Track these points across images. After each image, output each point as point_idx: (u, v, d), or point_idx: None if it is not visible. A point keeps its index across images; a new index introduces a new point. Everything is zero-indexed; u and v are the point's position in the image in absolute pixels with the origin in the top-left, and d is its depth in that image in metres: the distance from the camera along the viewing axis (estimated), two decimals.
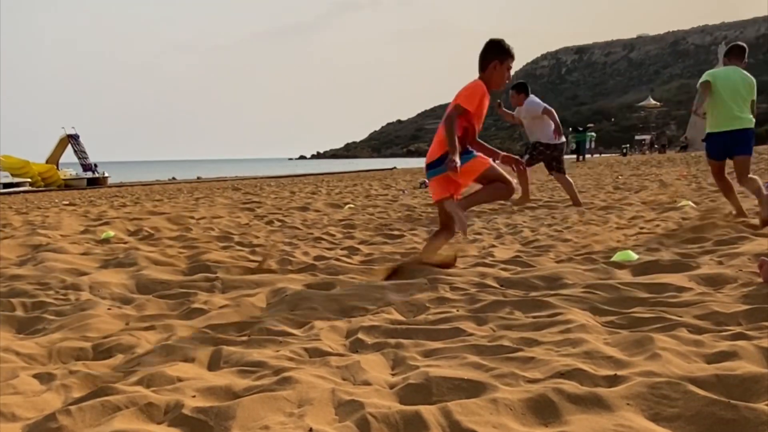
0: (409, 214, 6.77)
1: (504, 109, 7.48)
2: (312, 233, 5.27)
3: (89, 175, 27.53)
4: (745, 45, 5.26)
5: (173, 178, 30.28)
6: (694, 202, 6.49)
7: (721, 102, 4.81)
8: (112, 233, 5.28)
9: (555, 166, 7.23)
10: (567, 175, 7.26)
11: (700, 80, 4.91)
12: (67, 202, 12.09)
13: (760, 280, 2.66)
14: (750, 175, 4.78)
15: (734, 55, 5.08)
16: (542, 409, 1.48)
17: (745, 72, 4.98)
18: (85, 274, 3.55)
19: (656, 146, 44.56)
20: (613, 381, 1.63)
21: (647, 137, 47.54)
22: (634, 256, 3.43)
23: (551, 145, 7.23)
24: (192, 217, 6.77)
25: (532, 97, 7.35)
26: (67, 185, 25.13)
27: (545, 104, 7.22)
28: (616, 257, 3.41)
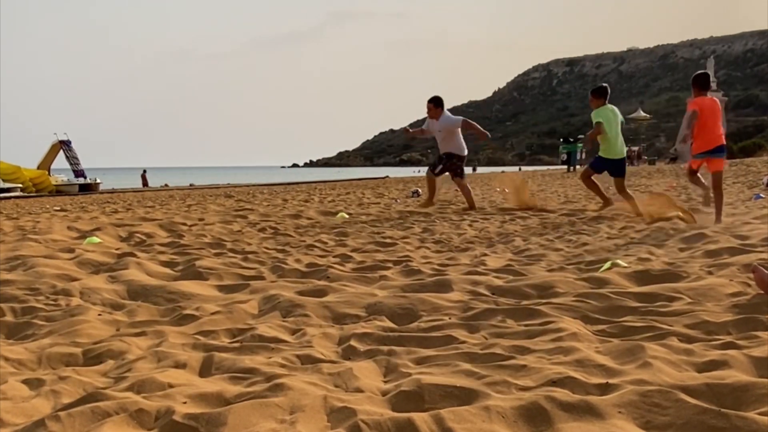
0: (402, 222, 6.78)
1: (411, 130, 8.94)
2: (304, 240, 5.26)
3: (81, 181, 27.38)
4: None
5: (166, 185, 30.17)
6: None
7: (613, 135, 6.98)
8: (96, 239, 5.25)
9: (459, 173, 8.36)
10: (467, 183, 8.55)
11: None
12: (58, 208, 12.00)
13: (751, 290, 2.69)
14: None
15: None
16: (534, 416, 1.48)
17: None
18: (75, 279, 3.53)
19: (644, 158, 45.03)
20: (604, 389, 1.64)
21: (635, 149, 48.13)
22: (625, 265, 3.45)
23: (461, 157, 8.27)
24: (184, 224, 6.74)
25: (447, 113, 8.27)
26: (59, 191, 24.95)
27: (462, 117, 8.34)
28: (607, 266, 3.43)
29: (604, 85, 7.43)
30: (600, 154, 7.13)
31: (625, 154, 7.17)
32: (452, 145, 8.18)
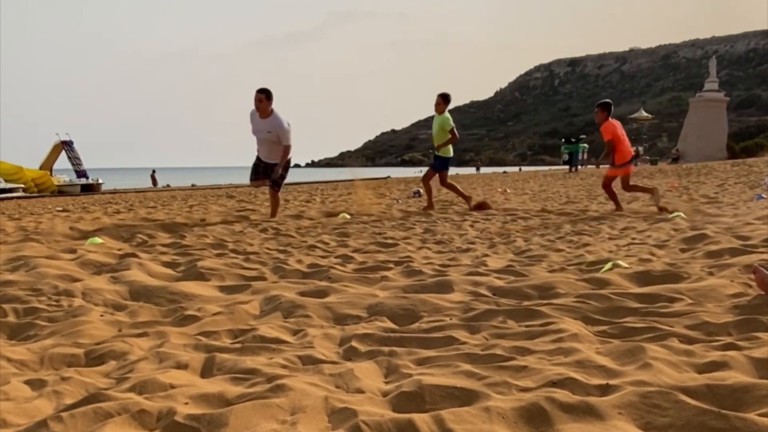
0: (403, 222, 6.78)
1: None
2: (306, 241, 5.27)
3: (83, 181, 27.46)
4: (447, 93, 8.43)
5: (167, 186, 30.24)
6: (685, 214, 6.54)
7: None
8: (98, 240, 5.26)
9: (278, 184, 7.53)
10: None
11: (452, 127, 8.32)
12: (60, 209, 12.03)
13: (752, 291, 2.69)
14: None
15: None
16: (534, 417, 1.48)
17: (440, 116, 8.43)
18: (78, 280, 3.54)
19: (646, 157, 45.05)
20: (605, 390, 1.65)
21: (634, 149, 48.13)
22: (626, 265, 3.45)
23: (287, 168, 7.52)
24: (186, 224, 6.76)
25: (279, 115, 7.11)
26: (61, 191, 25.05)
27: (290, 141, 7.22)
28: (608, 267, 3.43)
29: (448, 93, 8.43)
30: (439, 154, 8.46)
31: (447, 155, 8.52)
32: (278, 155, 7.27)
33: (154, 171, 34.74)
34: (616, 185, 7.75)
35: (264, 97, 7.02)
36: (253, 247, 4.98)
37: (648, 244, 4.52)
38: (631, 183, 7.79)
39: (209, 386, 1.79)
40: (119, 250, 4.86)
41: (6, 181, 24.42)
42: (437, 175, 8.65)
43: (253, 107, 7.12)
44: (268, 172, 7.42)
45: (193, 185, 29.90)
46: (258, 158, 7.46)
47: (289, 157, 7.41)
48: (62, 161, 28.94)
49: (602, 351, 2.01)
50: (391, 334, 2.32)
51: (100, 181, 28.29)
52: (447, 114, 8.39)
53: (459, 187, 8.71)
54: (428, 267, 3.79)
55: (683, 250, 4.12)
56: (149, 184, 32.13)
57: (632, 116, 59.48)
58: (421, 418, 1.45)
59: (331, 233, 5.87)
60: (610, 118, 7.63)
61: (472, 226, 6.34)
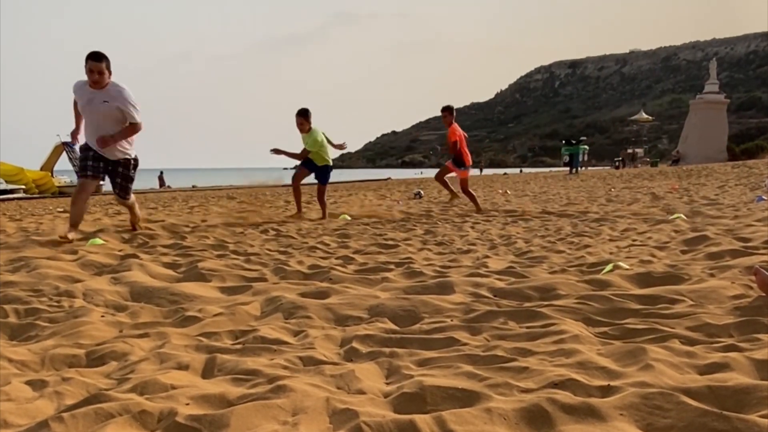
0: (404, 224, 6.78)
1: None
2: (307, 242, 5.27)
3: None
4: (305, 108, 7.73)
5: (168, 187, 30.26)
6: (686, 215, 6.54)
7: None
8: (99, 241, 5.26)
9: (125, 190, 5.64)
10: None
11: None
12: (61, 209, 12.03)
13: (752, 292, 2.69)
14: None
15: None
16: (536, 418, 1.48)
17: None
18: (78, 281, 3.54)
19: (646, 159, 45.07)
20: (606, 391, 1.65)
21: (630, 151, 48.15)
22: (627, 267, 3.45)
23: (130, 160, 5.51)
24: (187, 226, 6.76)
25: (124, 86, 5.13)
26: (62, 192, 25.05)
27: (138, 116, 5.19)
28: (609, 268, 3.43)
29: (307, 107, 7.78)
30: (320, 165, 8.03)
31: (329, 163, 7.98)
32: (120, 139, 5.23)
33: (162, 172, 34.85)
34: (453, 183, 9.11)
35: (104, 66, 5.00)
36: (253, 248, 4.98)
37: (649, 245, 4.52)
38: (469, 189, 8.71)
39: (210, 387, 1.79)
40: (120, 251, 4.86)
41: (7, 182, 24.43)
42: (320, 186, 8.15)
43: (78, 80, 5.19)
44: (107, 169, 5.44)
45: (194, 186, 29.91)
46: (87, 147, 5.34)
47: (134, 156, 5.52)
48: (63, 162, 28.93)
49: (603, 352, 2.01)
50: (392, 335, 2.32)
51: (101, 182, 28.27)
52: (311, 132, 7.65)
53: (299, 199, 8.26)
54: (429, 268, 3.79)
55: (684, 252, 4.12)
56: (151, 185, 32.14)
57: (632, 118, 59.51)
58: (422, 419, 1.45)
59: (332, 234, 5.87)
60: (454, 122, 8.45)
61: (472, 227, 6.35)
